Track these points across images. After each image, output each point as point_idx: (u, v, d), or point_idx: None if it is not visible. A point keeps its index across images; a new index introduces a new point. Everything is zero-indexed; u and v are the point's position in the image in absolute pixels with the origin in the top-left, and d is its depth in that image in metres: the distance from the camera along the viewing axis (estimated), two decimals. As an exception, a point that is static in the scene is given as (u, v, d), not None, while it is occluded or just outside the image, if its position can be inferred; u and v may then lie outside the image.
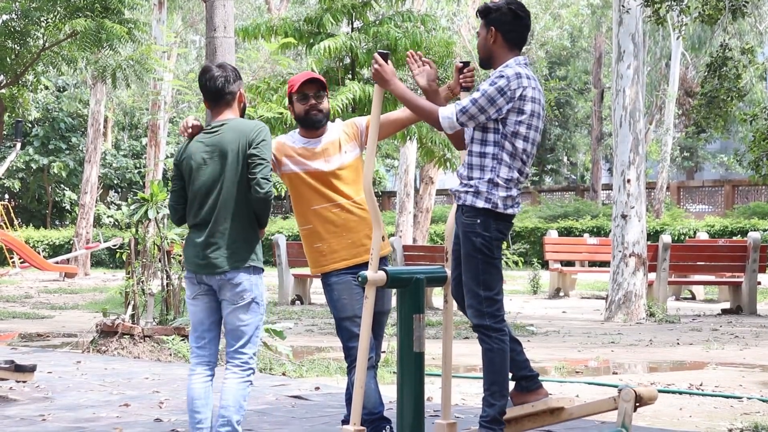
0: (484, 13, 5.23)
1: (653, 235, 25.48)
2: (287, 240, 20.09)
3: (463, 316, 5.47)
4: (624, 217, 15.04)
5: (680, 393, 8.07)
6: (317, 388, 8.14)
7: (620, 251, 15.00)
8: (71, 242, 31.52)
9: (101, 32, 16.00)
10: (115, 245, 25.57)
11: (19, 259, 27.66)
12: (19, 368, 7.92)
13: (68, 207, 40.32)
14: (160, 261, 11.13)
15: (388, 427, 5.51)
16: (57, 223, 41.45)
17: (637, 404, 5.06)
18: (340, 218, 5.54)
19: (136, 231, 11.18)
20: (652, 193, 35.66)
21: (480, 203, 5.08)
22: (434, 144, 17.35)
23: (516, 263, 23.34)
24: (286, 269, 18.13)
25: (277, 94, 15.60)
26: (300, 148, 5.60)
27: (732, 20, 15.83)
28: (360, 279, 5.13)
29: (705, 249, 17.90)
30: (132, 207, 11.14)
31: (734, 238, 26.38)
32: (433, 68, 5.33)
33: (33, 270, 28.10)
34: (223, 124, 5.35)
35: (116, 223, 36.97)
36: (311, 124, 5.59)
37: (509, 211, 5.13)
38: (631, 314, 14.75)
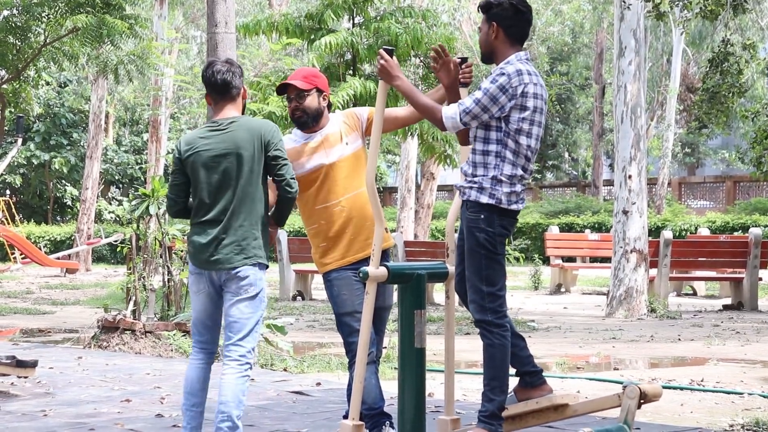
0: (485, 8, 5.22)
1: (654, 231, 25.48)
2: (288, 236, 20.12)
3: (464, 312, 5.47)
4: (625, 212, 15.04)
5: (681, 389, 8.07)
6: (318, 384, 8.15)
7: (621, 247, 15.00)
8: (72, 238, 31.53)
9: (102, 28, 15.99)
10: (116, 241, 25.58)
11: (21, 254, 27.69)
12: (20, 364, 7.93)
13: (69, 203, 40.34)
14: (161, 257, 11.13)
15: (387, 422, 5.51)
16: (58, 218, 41.47)
17: (642, 401, 5.05)
18: (342, 215, 5.55)
19: (138, 227, 11.18)
20: (654, 189, 35.67)
21: (484, 199, 5.09)
22: (435, 140, 17.33)
23: (517, 259, 23.35)
24: (287, 265, 18.13)
25: (278, 90, 15.57)
26: (300, 146, 5.62)
27: (733, 16, 15.82)
28: (361, 275, 5.13)
29: (706, 245, 17.90)
30: (133, 203, 11.14)
31: (735, 234, 26.35)
32: (456, 67, 5.31)
33: (34, 266, 28.13)
34: (232, 122, 5.35)
35: (117, 219, 36.96)
36: (298, 125, 5.66)
37: (513, 207, 5.13)
38: (632, 310, 14.75)
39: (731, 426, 6.47)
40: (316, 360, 9.60)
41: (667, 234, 16.22)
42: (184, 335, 10.31)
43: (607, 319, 14.62)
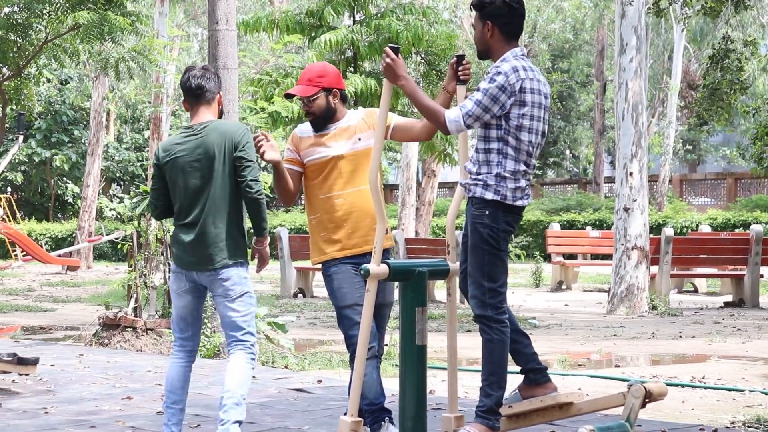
0: (478, 6, 5.25)
1: (656, 228, 25.48)
2: (289, 233, 20.10)
3: (465, 309, 5.48)
4: (626, 210, 15.03)
5: (683, 386, 8.07)
6: (319, 381, 8.15)
7: (623, 244, 15.00)
8: (74, 235, 31.53)
9: (104, 24, 15.97)
10: (117, 238, 25.58)
11: (22, 252, 27.70)
12: (21, 361, 7.93)
13: (71, 200, 40.33)
14: (162, 254, 11.14)
15: (387, 418, 5.51)
16: (59, 216, 41.46)
17: (647, 400, 5.04)
18: (343, 208, 5.57)
19: (139, 224, 11.18)
20: (655, 186, 35.66)
21: (489, 195, 5.11)
22: (435, 138, 17.34)
23: (518, 256, 23.35)
24: (288, 262, 18.13)
25: (279, 87, 15.58)
26: (314, 136, 5.65)
27: (734, 13, 15.82)
28: (362, 272, 5.14)
29: (707, 242, 17.90)
30: (134, 200, 11.15)
31: (737, 231, 26.36)
32: (453, 67, 5.41)
33: (35, 263, 28.14)
34: (205, 126, 5.52)
35: (119, 216, 36.97)
36: (312, 126, 5.70)
37: (518, 203, 5.15)
38: (633, 307, 14.75)
39: (732, 423, 6.47)
40: (317, 357, 9.60)
41: (668, 231, 16.22)
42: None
43: (608, 316, 14.62)
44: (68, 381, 8.30)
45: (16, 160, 37.63)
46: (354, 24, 16.54)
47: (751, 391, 7.76)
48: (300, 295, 18.21)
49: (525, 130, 5.12)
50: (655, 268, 15.94)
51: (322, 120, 5.64)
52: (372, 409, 5.48)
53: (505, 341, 5.11)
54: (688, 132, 43.62)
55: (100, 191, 33.92)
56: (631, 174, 15.08)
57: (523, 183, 5.16)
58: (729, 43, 17.07)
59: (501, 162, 5.12)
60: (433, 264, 5.35)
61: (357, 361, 5.16)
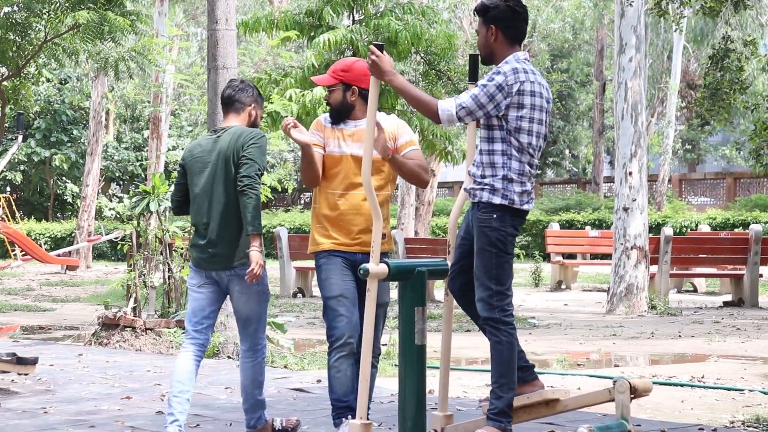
0: (482, 11, 5.28)
1: (655, 228, 25.48)
2: (288, 233, 20.10)
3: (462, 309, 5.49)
4: (626, 209, 15.03)
5: (682, 385, 8.07)
6: (319, 381, 8.15)
7: (622, 244, 15.00)
8: (73, 235, 31.52)
9: (104, 24, 15.95)
10: (116, 238, 25.56)
11: (21, 251, 27.68)
12: (20, 361, 7.93)
13: (70, 199, 40.33)
14: (161, 254, 11.13)
15: (350, 416, 5.54)
16: (59, 215, 41.46)
17: (632, 396, 5.09)
18: (342, 208, 5.62)
19: (138, 224, 11.18)
20: (654, 186, 35.65)
21: (497, 200, 5.14)
22: (435, 137, 17.35)
23: (518, 256, 23.35)
24: (287, 262, 18.13)
25: (278, 87, 15.58)
26: (333, 129, 5.69)
27: (734, 12, 15.81)
28: (362, 271, 5.14)
29: (707, 241, 17.90)
30: (134, 199, 11.14)
31: (736, 230, 26.35)
32: None
33: (35, 263, 28.12)
34: (225, 130, 5.74)
35: (118, 216, 36.90)
36: (330, 116, 5.75)
37: (525, 207, 5.20)
38: (632, 307, 14.75)
39: (732, 423, 6.47)
40: (316, 357, 9.60)
41: (667, 231, 16.22)
42: (184, 332, 10.28)
43: (607, 315, 14.62)
44: (67, 381, 8.30)
45: (16, 160, 37.62)
46: (353, 24, 16.55)
47: (751, 391, 7.75)
48: (299, 294, 18.20)
49: (524, 132, 5.15)
50: (654, 268, 15.94)
51: (336, 113, 5.69)
52: (338, 405, 5.55)
53: (514, 343, 5.14)
54: (688, 132, 43.62)
55: (100, 191, 33.88)
56: (630, 173, 15.07)
57: (528, 186, 5.20)
58: (729, 42, 17.07)
59: (506, 163, 5.15)
60: (432, 264, 5.35)
61: (362, 362, 5.17)
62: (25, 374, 8.13)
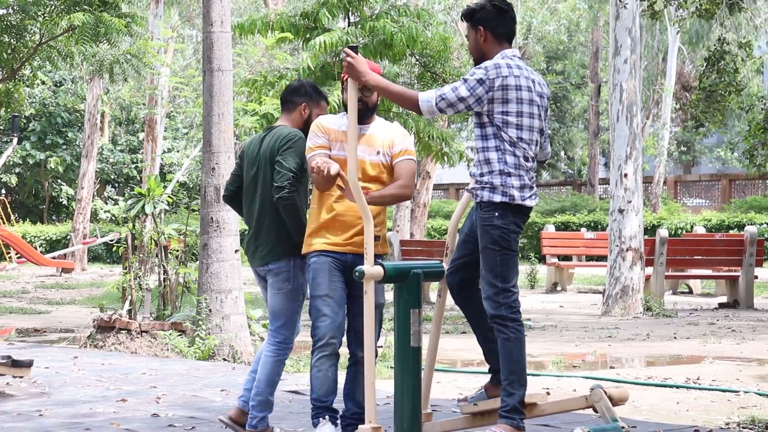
0: (469, 15, 5.33)
1: (650, 230, 25.50)
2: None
3: (457, 312, 5.49)
4: (621, 211, 15.05)
5: (677, 387, 8.08)
6: (314, 383, 8.13)
7: (617, 245, 15.01)
8: (68, 237, 31.50)
9: (100, 26, 15.93)
10: (112, 240, 25.55)
11: (16, 254, 27.66)
12: (16, 363, 7.91)
13: (65, 202, 40.29)
14: (157, 256, 11.12)
15: (328, 416, 5.52)
16: (54, 218, 41.42)
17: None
18: (337, 210, 5.60)
19: (133, 226, 11.17)
20: (649, 188, 35.70)
21: (497, 198, 5.15)
22: (431, 138, 17.34)
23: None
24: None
25: (273, 89, 15.57)
26: (340, 131, 5.58)
27: (729, 14, 15.83)
28: (357, 273, 5.14)
29: (702, 243, 17.92)
30: (129, 202, 11.14)
31: (731, 232, 26.39)
32: None
33: (30, 265, 28.10)
34: (272, 129, 5.91)
35: (113, 218, 36.93)
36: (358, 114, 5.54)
37: (527, 202, 5.20)
38: (628, 308, 14.76)
39: (727, 424, 6.48)
40: (312, 359, 9.58)
41: (662, 232, 16.23)
42: (180, 335, 10.30)
43: (603, 317, 14.63)
44: (63, 383, 8.28)
45: (11, 162, 37.60)
46: (349, 26, 16.54)
47: (746, 392, 7.76)
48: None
49: (512, 126, 5.17)
50: (649, 270, 15.96)
51: (363, 113, 5.56)
52: (317, 405, 5.55)
53: (522, 339, 5.16)
54: (683, 133, 43.66)
55: (95, 193, 33.88)
56: (625, 175, 15.09)
57: (527, 179, 5.19)
58: (724, 44, 17.07)
59: (501, 158, 5.17)
60: (428, 266, 5.35)
61: (366, 365, 5.16)
62: (21, 377, 8.11)
